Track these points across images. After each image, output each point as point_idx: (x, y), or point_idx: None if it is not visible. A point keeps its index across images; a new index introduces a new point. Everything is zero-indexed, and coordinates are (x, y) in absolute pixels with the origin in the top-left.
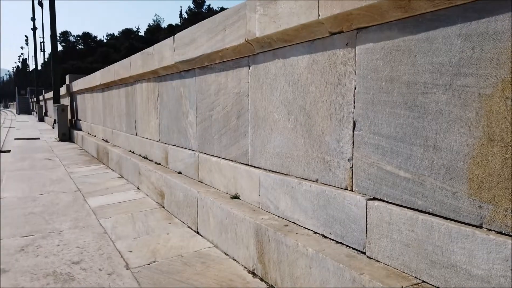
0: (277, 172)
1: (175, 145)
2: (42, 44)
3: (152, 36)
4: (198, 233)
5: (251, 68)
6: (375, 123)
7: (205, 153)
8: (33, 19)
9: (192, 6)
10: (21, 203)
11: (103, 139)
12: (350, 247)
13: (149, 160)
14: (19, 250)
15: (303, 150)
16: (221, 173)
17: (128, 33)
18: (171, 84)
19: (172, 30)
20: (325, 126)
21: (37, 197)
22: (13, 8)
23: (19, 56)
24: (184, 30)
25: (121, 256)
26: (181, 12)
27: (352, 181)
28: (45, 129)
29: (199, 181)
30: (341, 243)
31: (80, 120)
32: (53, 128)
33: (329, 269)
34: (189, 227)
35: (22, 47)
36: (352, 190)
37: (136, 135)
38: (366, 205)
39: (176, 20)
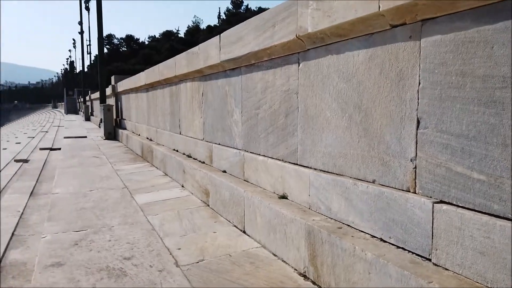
0: (328, 172)
1: (219, 144)
2: (88, 47)
3: (192, 37)
4: (244, 232)
5: (301, 65)
6: (443, 120)
7: (250, 152)
8: (81, 23)
9: (230, 6)
10: (73, 198)
11: (147, 138)
12: (413, 253)
13: (193, 158)
14: (73, 244)
15: (358, 150)
16: (267, 172)
17: (168, 35)
18: (216, 83)
19: (211, 31)
20: (383, 124)
21: (87, 193)
22: (61, 12)
23: (67, 59)
24: (230, 29)
25: (170, 253)
26: (219, 13)
27: (415, 182)
28: (92, 128)
29: (244, 180)
30: (402, 248)
31: (125, 119)
32: (99, 127)
33: (391, 276)
34: (235, 226)
35: (69, 50)
36: (415, 192)
37: (180, 133)
38: (433, 208)
39: (214, 21)
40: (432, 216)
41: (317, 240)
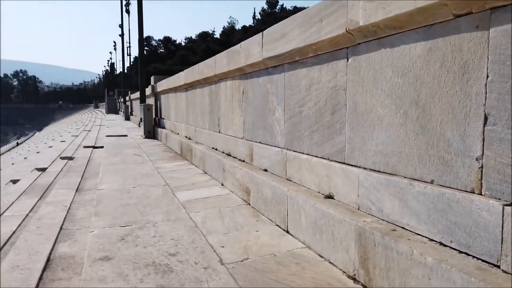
0: (380, 172)
1: (260, 142)
2: (128, 48)
3: (227, 37)
4: (287, 232)
5: (350, 60)
6: None
7: (293, 151)
8: (121, 26)
9: (265, 6)
10: (117, 194)
11: (186, 137)
12: (478, 259)
13: (233, 157)
14: (120, 239)
15: (414, 148)
16: (312, 171)
17: (204, 36)
18: (257, 81)
19: (246, 31)
20: (444, 121)
21: (130, 189)
22: (102, 16)
23: (108, 61)
24: (273, 26)
25: (214, 251)
26: (254, 13)
27: (481, 183)
28: (131, 127)
29: (287, 179)
30: (465, 253)
31: (163, 118)
32: (139, 126)
33: (455, 282)
34: (277, 225)
35: (110, 52)
36: (480, 194)
37: (219, 132)
38: (503, 211)
39: (249, 21)
40: (502, 219)
41: (369, 242)
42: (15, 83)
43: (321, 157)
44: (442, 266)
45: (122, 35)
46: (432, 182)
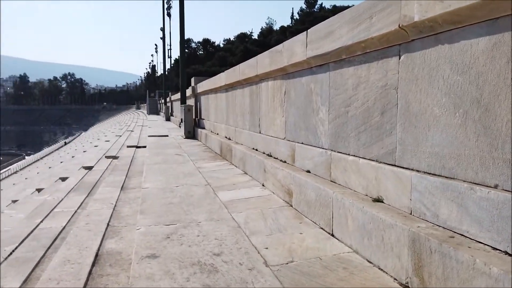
0: (435, 175)
1: (302, 143)
2: (169, 51)
3: (265, 38)
4: (332, 235)
5: (402, 57)
6: None
7: (338, 152)
8: (163, 29)
9: (304, 6)
10: (161, 193)
11: (226, 137)
12: None
13: (274, 157)
14: (165, 237)
15: (475, 150)
16: (359, 174)
17: (242, 37)
18: (300, 80)
19: (284, 31)
20: (511, 121)
21: (174, 188)
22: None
23: (149, 63)
24: (318, 24)
25: (258, 252)
26: (292, 13)
27: None
28: (172, 128)
29: (331, 181)
30: None
31: (203, 119)
32: (179, 127)
33: None
34: (321, 228)
35: (152, 55)
36: None
37: (260, 133)
38: None
39: (287, 22)
40: None
41: (424, 249)
42: (64, 85)
43: (369, 159)
44: (509, 277)
45: (163, 38)
46: (496, 186)
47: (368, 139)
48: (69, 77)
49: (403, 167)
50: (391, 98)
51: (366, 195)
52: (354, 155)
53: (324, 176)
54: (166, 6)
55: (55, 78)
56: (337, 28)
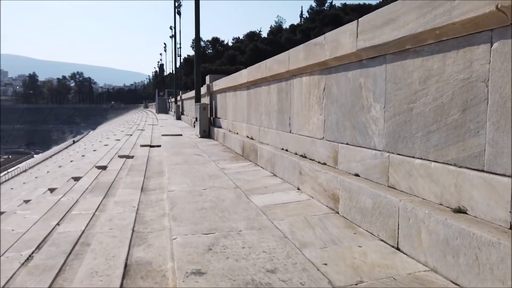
0: None
1: (347, 144)
2: (179, 50)
3: (274, 36)
4: (398, 249)
5: (495, 44)
6: None
7: (398, 154)
8: (174, 27)
9: (313, 4)
10: (189, 197)
11: (247, 136)
12: None
13: (309, 159)
14: (207, 249)
15: None
16: (430, 179)
17: (252, 36)
18: (344, 75)
19: (294, 29)
20: None
21: (202, 191)
22: (151, 19)
23: (158, 62)
24: (373, 12)
25: (318, 270)
26: (301, 11)
27: None
28: (184, 127)
29: (389, 187)
30: None
31: (219, 118)
32: (193, 126)
33: None
34: (382, 240)
35: (160, 54)
36: None
37: (290, 132)
38: None
39: (297, 20)
40: None
41: None
42: (72, 84)
43: (443, 163)
44: None
45: (174, 36)
46: None
47: (442, 140)
48: (77, 76)
49: (496, 173)
50: (478, 92)
51: (441, 204)
52: (421, 158)
53: (379, 181)
54: (176, 4)
55: (63, 77)
56: (402, 15)
